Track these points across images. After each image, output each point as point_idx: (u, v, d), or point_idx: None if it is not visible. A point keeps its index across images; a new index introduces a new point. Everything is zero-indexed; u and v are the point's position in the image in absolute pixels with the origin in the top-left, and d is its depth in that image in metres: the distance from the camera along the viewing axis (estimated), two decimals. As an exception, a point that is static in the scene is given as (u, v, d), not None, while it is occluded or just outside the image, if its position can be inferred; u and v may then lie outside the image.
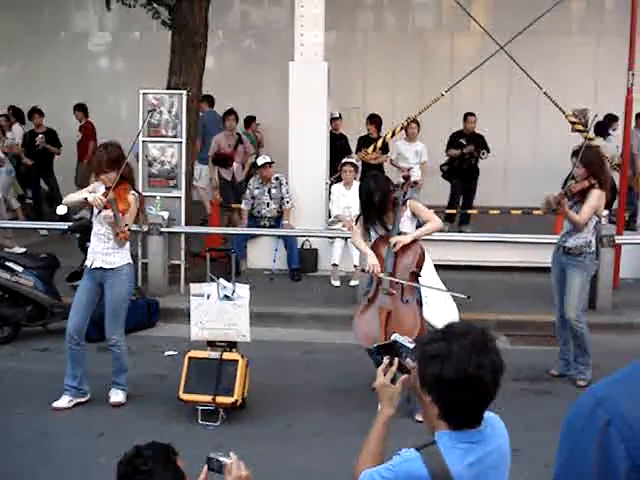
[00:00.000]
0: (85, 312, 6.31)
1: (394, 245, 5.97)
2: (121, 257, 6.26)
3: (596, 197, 6.64)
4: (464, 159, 12.33)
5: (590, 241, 6.81)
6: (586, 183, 6.62)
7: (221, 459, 2.70)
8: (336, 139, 12.01)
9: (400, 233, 6.06)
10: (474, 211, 12.57)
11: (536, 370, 7.26)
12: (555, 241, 7.12)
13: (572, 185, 6.73)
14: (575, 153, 7.06)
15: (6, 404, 6.33)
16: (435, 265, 7.21)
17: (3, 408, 6.25)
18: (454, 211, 12.59)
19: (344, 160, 10.61)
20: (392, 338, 2.79)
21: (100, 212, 6.05)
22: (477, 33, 12.56)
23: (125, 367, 6.45)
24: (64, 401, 6.28)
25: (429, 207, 6.59)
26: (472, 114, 12.43)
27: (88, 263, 6.30)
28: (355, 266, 9.27)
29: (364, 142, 12.20)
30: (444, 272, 7.64)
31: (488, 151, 12.40)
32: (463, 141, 12.35)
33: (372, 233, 6.26)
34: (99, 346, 7.40)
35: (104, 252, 6.21)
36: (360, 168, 11.35)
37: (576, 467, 0.76)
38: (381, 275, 6.02)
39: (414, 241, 6.06)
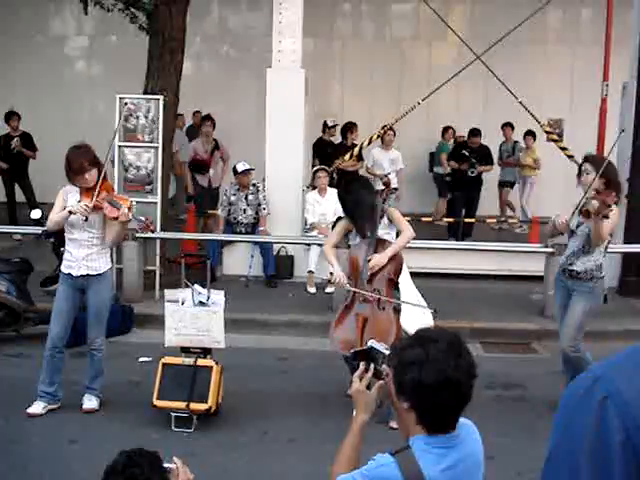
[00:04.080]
0: (68, 320, 6.25)
1: (370, 267, 5.96)
2: (105, 262, 6.23)
3: (616, 214, 5.99)
4: (465, 171, 12.36)
5: (601, 264, 6.15)
6: (610, 200, 5.75)
7: (165, 465, 2.68)
8: (328, 147, 12.07)
9: (378, 240, 6.07)
10: (450, 220, 12.65)
11: (510, 377, 7.30)
12: (532, 249, 7.06)
13: (595, 205, 5.74)
14: (587, 159, 6.30)
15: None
16: (414, 272, 7.23)
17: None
18: (451, 220, 12.60)
19: (317, 167, 10.62)
20: (368, 344, 2.79)
21: (87, 219, 5.97)
22: (454, 42, 12.65)
23: (102, 372, 6.41)
24: (39, 407, 6.20)
25: (405, 215, 6.61)
26: (477, 133, 12.54)
27: (69, 271, 6.15)
28: (331, 273, 9.27)
29: (339, 149, 12.26)
30: (423, 280, 7.66)
31: (490, 163, 12.49)
32: (466, 152, 12.37)
33: (351, 238, 6.27)
34: (72, 352, 7.34)
35: (88, 258, 6.12)
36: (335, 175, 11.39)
37: (570, 444, 0.77)
38: (347, 287, 6.06)
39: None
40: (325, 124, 13.01)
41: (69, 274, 6.17)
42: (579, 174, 6.30)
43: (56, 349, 6.22)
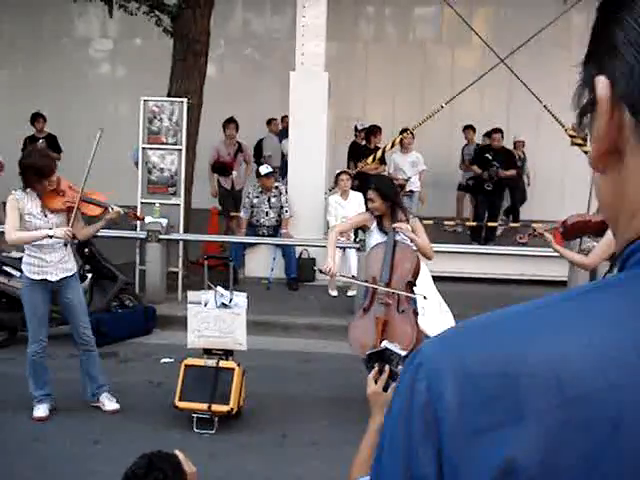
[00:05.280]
0: (46, 323, 6.24)
1: (398, 226, 6.01)
2: (74, 261, 6.27)
3: None
4: (488, 176, 12.20)
5: None
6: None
7: (165, 451, 2.70)
8: (362, 149, 12.10)
9: (396, 242, 6.05)
10: (472, 223, 12.60)
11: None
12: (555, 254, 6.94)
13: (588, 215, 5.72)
14: None
15: (1, 409, 6.32)
16: (436, 277, 7.21)
17: (-2, 413, 6.24)
18: (473, 224, 12.53)
19: (339, 170, 10.63)
20: (382, 345, 2.77)
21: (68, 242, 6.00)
22: (478, 46, 12.62)
23: (99, 363, 6.45)
24: (45, 410, 6.21)
25: (432, 218, 6.61)
26: (498, 130, 12.37)
27: (44, 277, 6.02)
28: (353, 276, 9.26)
29: (355, 152, 12.28)
30: (446, 284, 7.65)
31: (514, 167, 12.37)
32: (489, 156, 12.19)
33: (371, 240, 6.28)
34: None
35: (63, 261, 6.07)
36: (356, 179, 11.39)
37: (390, 416, 0.79)
38: (338, 277, 6.11)
39: (411, 250, 6.07)
40: (355, 128, 13.04)
41: (44, 280, 6.03)
42: None
43: (38, 354, 6.16)
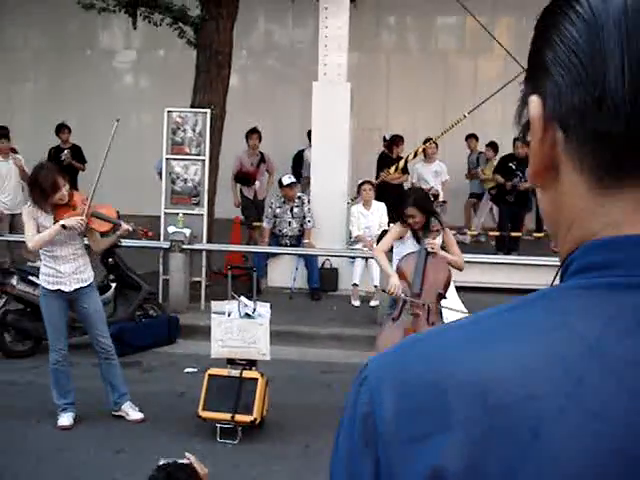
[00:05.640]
0: (66, 332, 6.29)
1: (430, 243, 6.02)
2: (90, 272, 6.25)
3: None
4: (511, 187, 12.04)
5: None
6: None
7: (179, 461, 2.70)
8: (390, 161, 12.08)
9: (428, 254, 6.05)
10: (495, 233, 12.55)
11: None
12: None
13: None
14: None
15: (26, 418, 6.36)
16: (459, 287, 7.19)
17: (23, 421, 6.28)
18: (496, 234, 12.48)
19: (362, 180, 10.64)
20: None
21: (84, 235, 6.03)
22: (500, 55, 12.57)
23: (121, 369, 6.47)
24: (69, 419, 6.24)
25: (456, 228, 6.62)
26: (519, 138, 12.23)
27: (59, 287, 6.06)
28: (375, 286, 9.26)
29: (384, 162, 12.25)
30: (470, 294, 7.63)
31: None
32: (513, 165, 12.01)
33: (404, 249, 6.28)
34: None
35: (78, 272, 6.09)
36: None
37: (342, 424, 0.82)
38: (402, 296, 6.03)
39: (443, 263, 6.07)
40: (384, 138, 13.06)
41: (58, 290, 6.08)
42: None
43: (59, 362, 6.21)
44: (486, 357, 0.73)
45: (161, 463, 2.71)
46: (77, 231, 5.98)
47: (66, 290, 6.09)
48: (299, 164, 13.56)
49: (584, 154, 0.74)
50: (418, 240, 6.17)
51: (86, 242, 6.36)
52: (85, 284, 6.15)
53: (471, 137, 13.89)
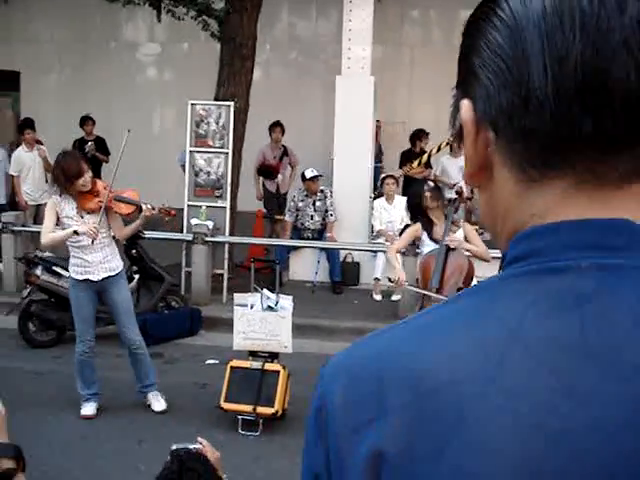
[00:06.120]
0: (93, 323, 6.33)
1: (450, 239, 6.02)
2: (118, 260, 6.26)
3: None
4: None
5: None
6: None
7: (190, 446, 2.71)
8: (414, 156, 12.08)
9: (449, 249, 6.04)
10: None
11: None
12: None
13: None
14: None
15: (49, 407, 6.42)
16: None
17: (46, 411, 6.34)
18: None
19: (385, 174, 10.62)
20: None
21: (93, 242, 6.00)
22: (525, 50, 12.49)
23: (151, 365, 6.47)
24: (92, 409, 6.29)
25: (474, 224, 6.59)
26: None
27: (87, 277, 6.09)
28: (389, 279, 9.26)
29: (407, 156, 12.22)
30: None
31: None
32: None
33: (425, 249, 6.28)
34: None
35: (105, 261, 6.11)
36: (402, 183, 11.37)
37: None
38: (405, 285, 6.24)
39: (463, 256, 6.06)
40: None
41: (87, 279, 6.12)
42: None
43: (86, 353, 6.25)
44: (420, 348, 0.78)
45: (173, 448, 2.72)
46: (89, 238, 5.97)
47: (94, 279, 6.11)
48: None
49: (513, 151, 0.78)
50: (435, 240, 6.16)
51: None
52: (113, 273, 6.17)
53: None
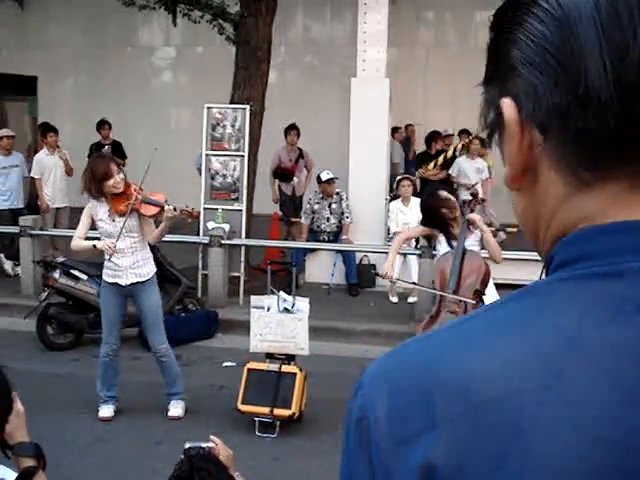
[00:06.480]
0: (119, 327, 6.35)
1: (469, 219, 5.98)
2: (151, 266, 6.25)
3: None
4: None
5: None
6: None
7: (204, 445, 2.72)
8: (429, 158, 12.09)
9: (465, 251, 6.01)
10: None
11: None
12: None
13: None
14: None
15: (67, 409, 6.46)
16: (499, 284, 7.13)
17: (64, 413, 6.37)
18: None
19: (401, 176, 10.60)
20: None
21: (110, 257, 6.04)
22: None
23: (178, 374, 6.44)
24: (110, 411, 6.32)
25: (490, 225, 6.56)
26: None
27: (115, 280, 6.12)
28: (414, 282, 9.23)
29: (423, 158, 12.21)
30: (510, 292, 7.55)
31: None
32: None
33: (440, 248, 6.26)
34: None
35: (135, 266, 6.12)
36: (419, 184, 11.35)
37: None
38: (396, 282, 6.09)
39: (480, 258, 6.02)
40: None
41: (115, 283, 6.15)
42: None
43: (109, 356, 6.27)
44: (468, 356, 0.74)
45: (187, 447, 2.74)
46: (107, 252, 6.01)
47: (122, 284, 6.14)
48: None
49: (564, 153, 0.74)
50: (449, 240, 6.14)
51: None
52: (143, 279, 6.17)
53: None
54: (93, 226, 6.20)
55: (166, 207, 6.05)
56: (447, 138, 13.05)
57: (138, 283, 6.16)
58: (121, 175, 6.02)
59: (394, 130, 14.11)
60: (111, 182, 5.94)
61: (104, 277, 6.22)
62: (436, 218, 6.14)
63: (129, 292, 6.22)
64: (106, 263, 6.17)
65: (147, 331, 6.38)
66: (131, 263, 6.11)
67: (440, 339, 0.79)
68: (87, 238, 6.19)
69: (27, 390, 6.01)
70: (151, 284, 6.25)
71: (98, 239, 6.19)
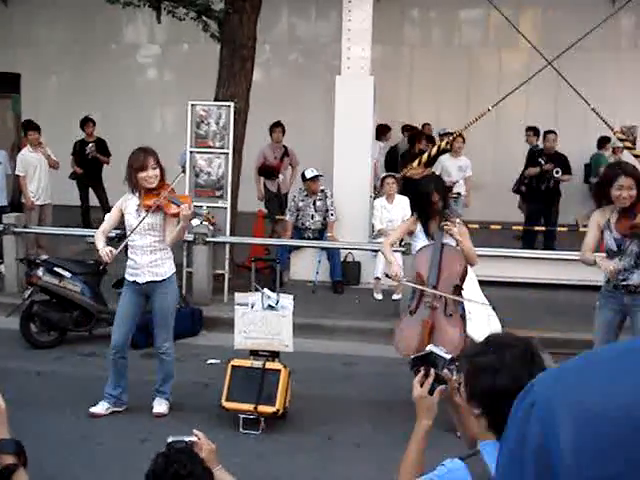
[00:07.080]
0: (131, 325, 6.34)
1: (447, 229, 5.97)
2: (169, 267, 6.23)
3: None
4: (545, 179, 11.79)
5: None
6: None
7: (187, 439, 2.76)
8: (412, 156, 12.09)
9: (444, 244, 6.04)
10: (520, 227, 12.47)
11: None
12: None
13: None
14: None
15: (50, 407, 6.44)
16: (482, 281, 7.18)
17: (47, 411, 6.36)
18: (520, 228, 12.36)
19: (385, 173, 10.62)
20: (427, 349, 2.78)
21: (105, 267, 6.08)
22: (525, 48, 12.49)
23: (172, 375, 6.47)
24: (102, 408, 6.33)
25: (474, 223, 6.58)
26: (552, 132, 12.03)
27: (134, 278, 6.17)
28: (386, 275, 9.26)
29: (407, 156, 12.24)
30: (493, 288, 7.63)
31: (569, 172, 11.94)
32: (542, 160, 11.82)
33: (418, 243, 6.27)
34: (143, 353, 7.54)
35: (153, 265, 6.13)
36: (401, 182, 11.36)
37: (503, 450, 0.78)
38: (403, 281, 6.19)
39: (457, 252, 6.05)
40: (438, 134, 13.09)
41: (134, 282, 6.18)
42: None
43: (118, 354, 6.28)
44: None
45: (169, 440, 2.77)
46: (104, 258, 6.02)
47: (140, 282, 6.16)
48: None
49: None
50: (430, 235, 6.14)
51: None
52: (159, 278, 6.16)
53: (530, 130, 13.26)
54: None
55: (182, 206, 6.00)
56: (444, 138, 13.06)
57: (154, 282, 6.16)
58: (157, 171, 6.02)
59: (385, 129, 14.13)
60: (144, 174, 5.96)
61: (126, 275, 6.27)
62: (428, 202, 6.12)
63: (146, 291, 6.21)
64: (128, 261, 6.21)
65: (154, 329, 6.41)
66: (149, 261, 6.12)
67: (627, 366, 0.71)
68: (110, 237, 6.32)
69: (10, 388, 5.97)
70: (167, 285, 6.23)
71: (124, 236, 6.22)
